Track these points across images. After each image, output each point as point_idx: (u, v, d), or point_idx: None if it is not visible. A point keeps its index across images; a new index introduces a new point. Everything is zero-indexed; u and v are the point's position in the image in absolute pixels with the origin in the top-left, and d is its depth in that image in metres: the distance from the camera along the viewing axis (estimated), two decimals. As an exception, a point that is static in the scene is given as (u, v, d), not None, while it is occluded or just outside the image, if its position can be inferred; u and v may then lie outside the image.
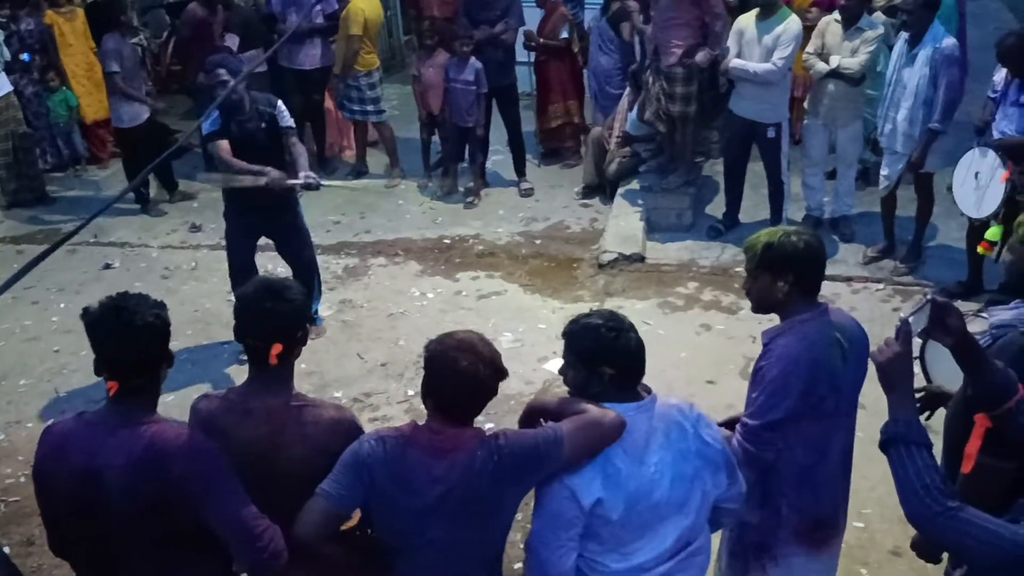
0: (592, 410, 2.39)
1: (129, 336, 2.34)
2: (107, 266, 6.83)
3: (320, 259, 6.75)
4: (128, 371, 2.38)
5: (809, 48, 6.27)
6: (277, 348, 2.52)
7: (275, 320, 2.53)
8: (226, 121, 5.08)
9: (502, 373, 2.44)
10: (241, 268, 5.36)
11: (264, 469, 2.51)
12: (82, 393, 5.19)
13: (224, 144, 5.07)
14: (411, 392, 5.19)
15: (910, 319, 2.33)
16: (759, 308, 2.89)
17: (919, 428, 2.18)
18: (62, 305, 6.18)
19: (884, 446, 2.21)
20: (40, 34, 8.10)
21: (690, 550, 2.47)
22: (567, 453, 2.34)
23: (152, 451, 2.34)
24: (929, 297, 2.43)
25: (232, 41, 7.70)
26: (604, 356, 2.43)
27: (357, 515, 2.52)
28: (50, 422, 2.53)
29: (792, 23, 6.12)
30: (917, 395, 3.06)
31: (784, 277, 2.72)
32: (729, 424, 2.84)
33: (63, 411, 4.83)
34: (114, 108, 7.62)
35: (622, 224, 6.87)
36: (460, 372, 2.35)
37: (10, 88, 7.73)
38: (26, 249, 6.96)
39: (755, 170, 6.80)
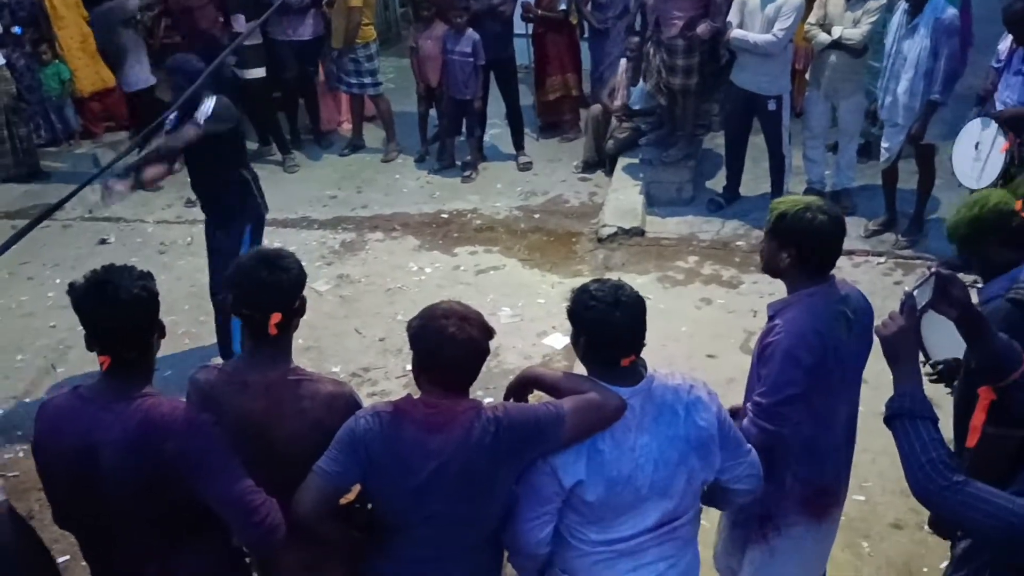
0: (594, 391, 2.36)
1: (116, 309, 2.30)
2: (103, 241, 6.80)
3: (317, 234, 6.77)
4: (118, 345, 2.35)
5: (811, 19, 6.20)
6: (276, 317, 2.49)
7: (272, 290, 2.51)
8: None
9: (490, 332, 2.41)
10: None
11: (261, 443, 2.49)
12: (79, 368, 5.17)
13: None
14: (409, 367, 5.07)
15: (914, 292, 2.31)
16: (764, 269, 2.89)
17: (924, 402, 2.16)
18: (58, 281, 6.14)
19: (889, 420, 2.19)
20: (31, 6, 7.96)
21: (673, 524, 2.46)
22: (567, 433, 2.32)
23: (147, 426, 2.31)
24: (933, 270, 2.40)
25: (238, 21, 7.58)
26: (581, 323, 2.40)
27: (356, 489, 2.50)
28: (46, 397, 2.50)
29: None
30: (936, 368, 3.06)
31: (787, 249, 2.70)
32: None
33: (60, 387, 4.79)
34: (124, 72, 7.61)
35: (622, 198, 6.82)
36: (451, 338, 2.31)
37: (2, 62, 7.65)
38: (20, 224, 6.89)
39: (756, 143, 6.75)
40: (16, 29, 7.88)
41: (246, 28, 7.27)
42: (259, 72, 7.79)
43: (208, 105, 4.67)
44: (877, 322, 2.34)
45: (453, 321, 2.33)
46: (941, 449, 2.08)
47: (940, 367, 3.06)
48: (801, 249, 2.69)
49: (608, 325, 2.33)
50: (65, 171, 7.99)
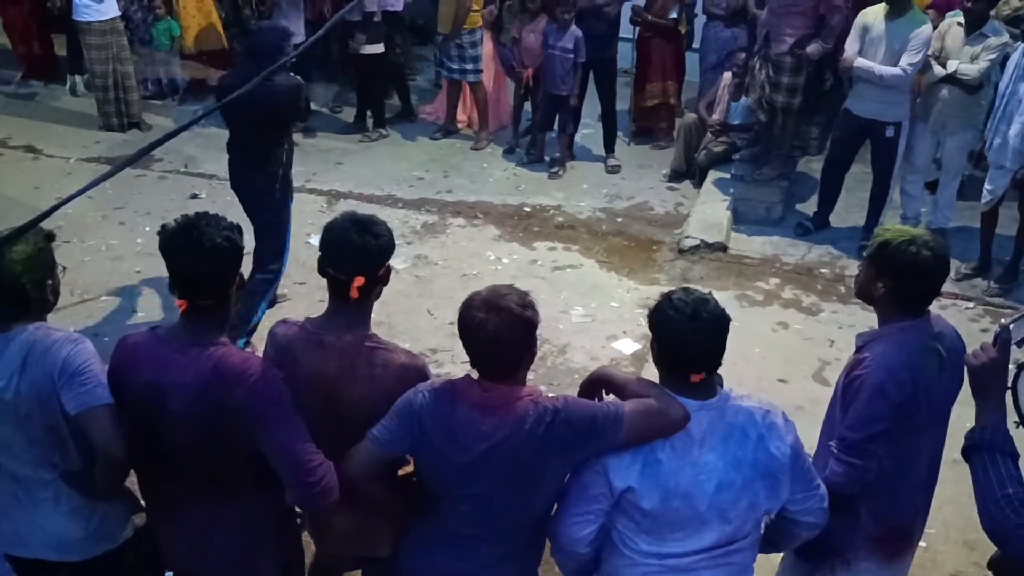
0: (660, 397, 2.31)
1: (197, 255, 2.37)
2: (194, 196, 6.97)
3: (400, 213, 6.82)
4: (197, 290, 2.41)
5: (928, 51, 5.99)
6: (359, 281, 2.52)
7: (359, 253, 2.53)
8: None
9: (526, 324, 2.33)
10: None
11: (329, 402, 2.53)
12: (159, 314, 5.32)
13: None
14: (476, 353, 5.17)
15: (1011, 326, 2.26)
16: (858, 295, 2.81)
17: (1007, 437, 2.11)
18: (147, 228, 6.33)
19: (968, 452, 2.15)
20: None
21: (729, 548, 2.39)
22: (625, 434, 2.28)
23: (217, 374, 2.37)
24: None
25: None
26: (656, 330, 2.35)
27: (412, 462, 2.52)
28: (125, 334, 2.58)
29: (925, 27, 5.81)
30: None
31: (884, 279, 2.61)
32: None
33: (139, 330, 4.94)
34: None
35: (708, 211, 6.73)
36: (473, 327, 2.31)
37: (117, 12, 7.87)
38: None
39: (852, 172, 6.59)
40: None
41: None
42: (377, 48, 7.85)
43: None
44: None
45: (483, 311, 2.31)
46: (1019, 486, 2.03)
47: None
48: (898, 281, 2.59)
49: (681, 337, 2.28)
50: (167, 126, 8.21)
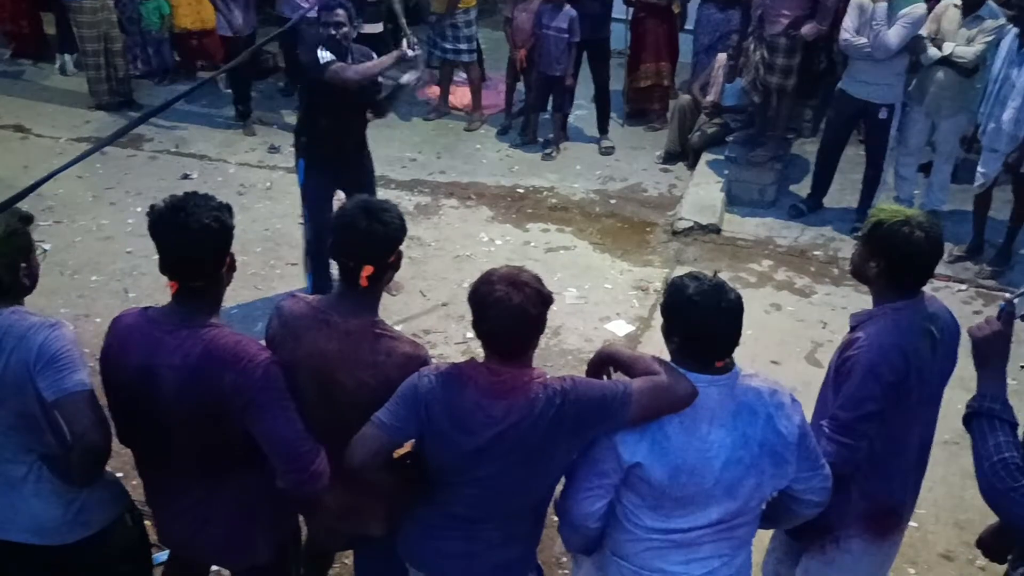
0: (667, 373, 2.30)
1: (185, 236, 2.33)
2: (185, 176, 6.93)
3: (393, 194, 6.77)
4: (186, 271, 2.38)
5: (923, 31, 5.97)
6: (368, 270, 2.49)
7: (368, 241, 2.49)
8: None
9: (546, 300, 2.34)
10: (325, 226, 5.13)
11: (327, 385, 2.51)
12: (149, 295, 5.28)
13: (345, 65, 4.81)
14: (469, 335, 5.11)
15: (1015, 300, 2.31)
16: (852, 274, 2.82)
17: (1006, 405, 2.17)
18: (138, 209, 6.28)
19: (968, 419, 2.21)
20: None
21: (732, 523, 2.40)
22: (634, 412, 2.27)
23: (208, 355, 2.34)
24: None
25: None
26: (677, 323, 2.34)
27: (408, 445, 2.51)
28: (119, 314, 2.56)
29: (919, 6, 5.80)
30: None
31: (877, 259, 2.61)
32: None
33: (131, 310, 4.92)
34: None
35: (702, 193, 6.72)
36: (496, 302, 2.28)
37: (108, -9, 7.80)
38: (109, 151, 7.08)
39: (846, 155, 6.58)
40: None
41: None
42: (376, 28, 7.79)
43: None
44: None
45: (502, 286, 2.29)
46: (1015, 452, 2.08)
47: None
48: (891, 262, 2.59)
49: (709, 329, 2.28)
50: (156, 103, 8.15)
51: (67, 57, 8.70)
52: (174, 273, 2.39)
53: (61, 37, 8.65)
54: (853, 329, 2.70)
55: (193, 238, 2.33)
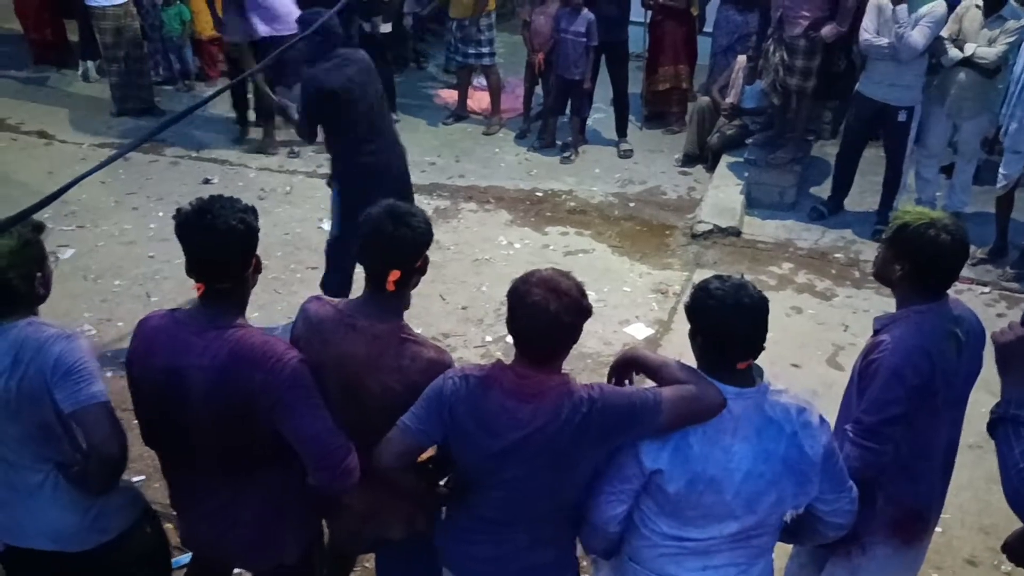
0: (696, 381, 2.29)
1: (211, 237, 2.35)
2: (206, 181, 6.97)
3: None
4: (212, 273, 2.40)
5: (944, 32, 5.92)
6: (394, 274, 2.50)
7: (395, 245, 2.50)
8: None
9: (583, 311, 2.32)
10: (348, 277, 4.88)
11: (353, 387, 2.52)
12: (171, 299, 5.31)
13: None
14: (489, 338, 5.18)
15: None
16: (876, 277, 2.81)
17: None
18: (160, 213, 6.34)
19: (992, 425, 2.17)
20: None
21: (750, 535, 2.38)
22: (663, 422, 2.25)
23: (236, 356, 2.36)
24: None
25: None
26: (698, 322, 2.34)
27: (431, 450, 2.52)
28: (146, 315, 2.58)
29: (938, 5, 5.76)
30: None
31: (902, 261, 2.60)
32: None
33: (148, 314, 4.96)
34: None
35: (721, 195, 6.70)
36: (531, 305, 2.26)
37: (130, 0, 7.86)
38: (131, 156, 7.14)
39: (866, 156, 6.54)
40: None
41: None
42: (386, 27, 7.83)
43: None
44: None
45: (541, 290, 2.27)
46: None
47: None
48: (917, 264, 2.58)
49: (728, 327, 2.25)
50: (178, 109, 8.21)
51: (90, 64, 8.79)
52: (200, 275, 2.42)
53: (84, 44, 8.74)
54: (877, 332, 2.68)
55: (219, 240, 2.36)
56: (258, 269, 2.51)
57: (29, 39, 9.06)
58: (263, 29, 6.91)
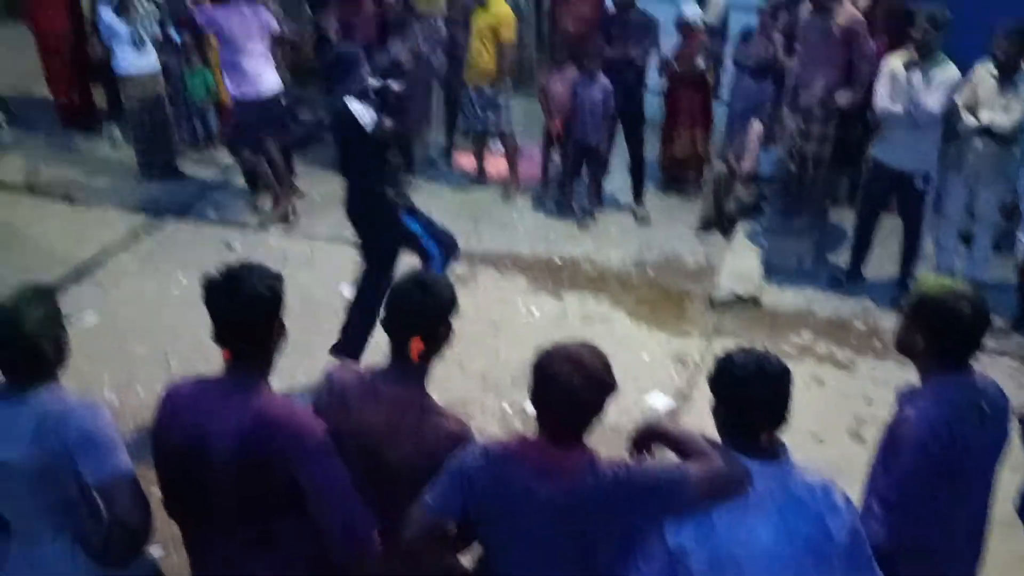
0: (721, 458, 2.26)
1: (238, 303, 2.39)
2: (228, 246, 7.04)
3: (431, 263, 6.83)
4: (239, 338, 2.43)
5: (960, 99, 5.97)
6: (416, 344, 2.52)
7: (419, 313, 2.53)
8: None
9: (608, 388, 2.32)
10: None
11: (374, 455, 2.52)
12: (192, 365, 5.32)
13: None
14: (507, 406, 5.15)
15: None
16: (897, 348, 2.79)
17: None
18: (183, 279, 6.39)
19: (1022, 506, 2.09)
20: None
21: None
22: (689, 502, 2.22)
23: (260, 421, 2.37)
24: None
25: (395, 44, 7.83)
26: (721, 393, 2.32)
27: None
28: (172, 380, 2.61)
29: (952, 71, 5.83)
30: None
31: (923, 332, 2.58)
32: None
33: (172, 381, 4.97)
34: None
35: (739, 262, 6.70)
36: (555, 381, 2.25)
37: (157, 66, 8.01)
38: (155, 221, 7.24)
39: (884, 223, 6.56)
40: (175, 37, 8.27)
41: (398, 49, 7.52)
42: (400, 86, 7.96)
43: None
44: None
45: (565, 365, 2.27)
46: None
47: None
48: (938, 335, 2.57)
49: (751, 396, 2.25)
50: (202, 175, 8.33)
51: (115, 128, 8.95)
52: (227, 341, 2.44)
53: (110, 108, 8.93)
54: (900, 405, 2.66)
55: (246, 306, 2.39)
56: (283, 335, 2.53)
57: (57, 103, 9.24)
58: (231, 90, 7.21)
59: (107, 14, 7.99)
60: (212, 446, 2.39)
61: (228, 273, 2.44)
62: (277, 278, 2.49)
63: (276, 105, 7.30)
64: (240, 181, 8.00)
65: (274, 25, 7.21)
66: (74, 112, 9.22)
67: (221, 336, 2.44)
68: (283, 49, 7.64)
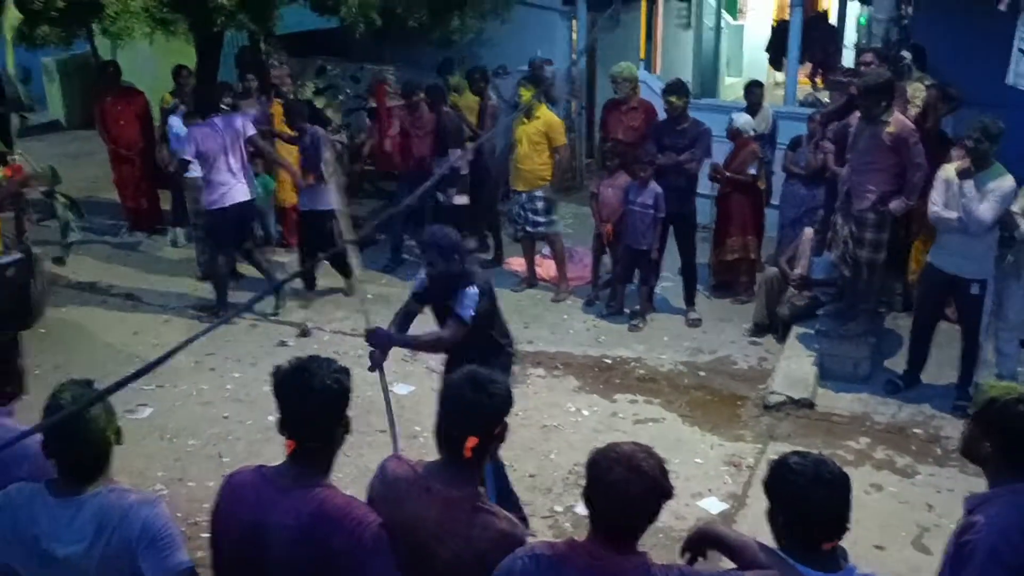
0: (779, 566, 2.20)
1: (306, 396, 2.42)
2: (282, 343, 7.14)
3: (481, 362, 6.85)
4: (304, 431, 2.45)
5: (1015, 207, 5.93)
6: (471, 441, 2.50)
7: (474, 412, 2.52)
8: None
9: (665, 493, 2.27)
10: None
11: (423, 550, 2.49)
12: (243, 460, 5.35)
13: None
14: (558, 508, 5.06)
15: None
16: (964, 454, 2.74)
17: None
18: (236, 375, 6.48)
19: None
20: (264, 118, 8.58)
21: None
22: None
23: (319, 516, 2.38)
24: None
25: (454, 154, 8.11)
26: (779, 499, 2.27)
27: None
28: (234, 470, 2.62)
29: (1007, 180, 5.79)
30: None
31: (992, 438, 2.53)
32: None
33: (223, 476, 5.00)
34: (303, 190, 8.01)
35: (794, 366, 6.61)
36: (611, 484, 2.22)
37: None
38: (209, 322, 7.40)
39: (942, 329, 6.44)
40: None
41: (456, 160, 7.76)
42: (464, 199, 8.25)
43: (469, 298, 4.49)
44: None
45: (622, 468, 2.24)
46: None
47: None
48: (1007, 441, 2.51)
49: (808, 503, 2.20)
50: (259, 276, 8.54)
51: (179, 231, 9.28)
52: (292, 432, 2.47)
53: (175, 212, 9.28)
54: (969, 512, 2.58)
55: (315, 399, 2.43)
56: (347, 430, 2.55)
57: (126, 208, 9.65)
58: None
59: (177, 124, 8.39)
60: (271, 538, 2.40)
61: (298, 365, 2.49)
62: (344, 372, 2.52)
63: (247, 211, 7.73)
64: (296, 282, 8.18)
65: (249, 130, 7.59)
66: (142, 216, 9.61)
67: (287, 427, 2.48)
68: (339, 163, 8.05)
